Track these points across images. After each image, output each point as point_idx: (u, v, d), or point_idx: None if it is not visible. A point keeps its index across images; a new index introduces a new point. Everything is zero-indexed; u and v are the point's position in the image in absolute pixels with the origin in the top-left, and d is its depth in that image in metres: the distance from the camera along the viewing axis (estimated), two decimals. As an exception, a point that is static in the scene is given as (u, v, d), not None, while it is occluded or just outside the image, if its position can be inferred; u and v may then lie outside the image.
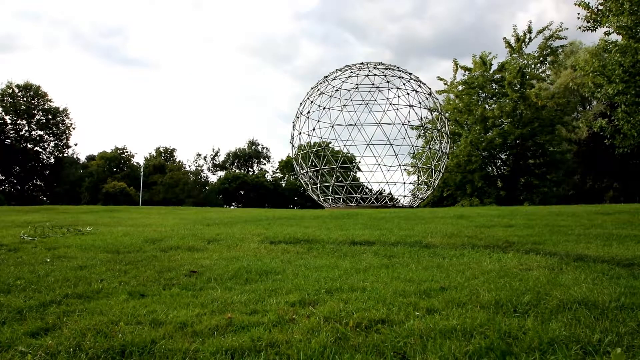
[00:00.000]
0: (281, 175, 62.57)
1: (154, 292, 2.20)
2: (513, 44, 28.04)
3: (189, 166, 63.88)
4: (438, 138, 24.18)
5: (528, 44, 27.77)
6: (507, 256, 3.16)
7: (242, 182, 55.77)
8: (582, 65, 13.77)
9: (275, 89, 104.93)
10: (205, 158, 66.35)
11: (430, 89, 23.11)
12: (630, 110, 12.26)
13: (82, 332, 1.57)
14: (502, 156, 29.62)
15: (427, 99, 22.51)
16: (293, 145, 23.62)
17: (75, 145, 75.15)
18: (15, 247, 3.72)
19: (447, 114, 26.06)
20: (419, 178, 25.91)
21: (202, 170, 64.69)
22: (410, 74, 22.55)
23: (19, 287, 2.25)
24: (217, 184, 58.01)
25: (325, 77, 22.84)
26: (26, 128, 44.05)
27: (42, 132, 44.82)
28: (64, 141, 46.12)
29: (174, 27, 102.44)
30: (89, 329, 1.60)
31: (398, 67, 22.66)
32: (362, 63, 22.30)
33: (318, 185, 23.20)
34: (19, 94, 43.35)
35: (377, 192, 27.00)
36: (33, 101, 43.94)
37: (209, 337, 1.54)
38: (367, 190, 27.65)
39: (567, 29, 27.28)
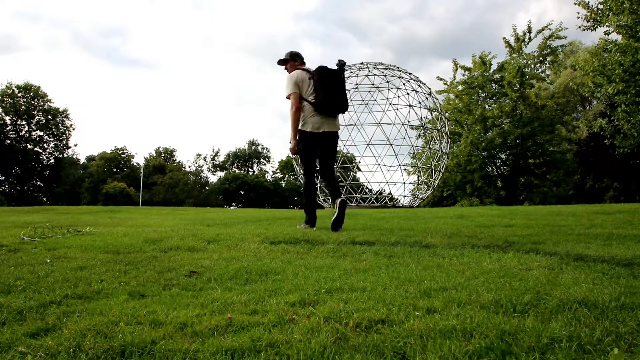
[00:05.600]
0: (281, 176, 62.58)
1: (154, 293, 2.20)
2: (513, 44, 28.05)
3: (189, 166, 63.95)
4: (438, 138, 24.18)
5: (528, 43, 27.77)
6: (507, 256, 3.16)
7: (242, 182, 55.79)
8: (582, 65, 13.77)
9: (275, 89, 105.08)
10: (205, 158, 66.38)
11: (430, 88, 23.12)
12: (630, 110, 12.26)
13: (82, 332, 1.57)
14: (502, 156, 29.64)
15: (427, 98, 22.52)
16: (293, 146, 23.62)
17: (75, 145, 75.16)
18: (16, 248, 3.71)
19: (447, 114, 26.07)
20: (419, 178, 25.92)
21: (202, 171, 64.72)
22: (410, 74, 22.55)
23: (19, 288, 2.25)
24: (217, 185, 58.05)
25: (325, 77, 22.81)
26: (26, 129, 44.07)
27: (42, 133, 44.85)
28: (64, 142, 46.16)
29: (174, 27, 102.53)
30: (89, 330, 1.60)
31: (398, 67, 22.67)
32: (362, 63, 22.30)
33: (318, 185, 23.20)
34: (19, 95, 43.35)
35: (377, 192, 27.01)
36: (33, 102, 43.95)
37: (209, 338, 1.54)
38: (367, 190, 27.66)
39: (567, 28, 27.32)
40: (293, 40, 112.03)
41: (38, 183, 46.25)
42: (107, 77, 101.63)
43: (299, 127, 5.17)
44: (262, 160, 67.50)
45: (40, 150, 44.98)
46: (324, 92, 5.03)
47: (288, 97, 5.17)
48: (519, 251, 3.42)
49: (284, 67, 5.54)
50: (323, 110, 5.07)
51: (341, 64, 5.20)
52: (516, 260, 3.00)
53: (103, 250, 3.56)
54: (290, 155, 5.31)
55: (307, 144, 5.18)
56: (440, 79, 30.62)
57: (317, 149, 5.18)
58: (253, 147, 67.36)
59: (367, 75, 22.31)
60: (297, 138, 5.19)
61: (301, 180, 5.70)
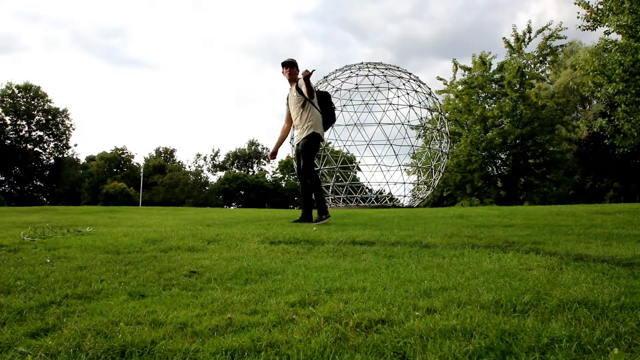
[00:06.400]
0: (281, 176, 62.55)
1: (154, 293, 2.20)
2: (513, 44, 28.02)
3: (189, 166, 63.98)
4: (438, 138, 24.17)
5: (528, 43, 27.74)
6: (507, 256, 3.16)
7: (242, 182, 55.77)
8: (582, 65, 13.78)
9: (275, 89, 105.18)
10: (205, 158, 66.42)
11: (430, 88, 23.10)
12: (630, 110, 12.26)
13: (82, 332, 1.57)
14: (502, 156, 29.63)
15: (427, 98, 22.50)
16: (293, 146, 23.60)
17: (75, 145, 75.22)
18: (16, 248, 3.71)
19: (447, 114, 26.06)
20: (419, 178, 25.91)
21: (202, 171, 64.74)
22: (410, 73, 22.54)
23: (19, 288, 2.25)
24: (217, 185, 58.03)
25: (325, 77, 22.82)
26: (26, 129, 44.06)
27: (42, 133, 44.84)
28: (64, 142, 46.15)
29: (174, 27, 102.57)
30: (89, 330, 1.60)
31: (398, 67, 22.66)
32: (362, 63, 22.28)
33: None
34: (19, 95, 43.32)
35: (377, 192, 27.00)
36: (33, 102, 43.93)
37: (209, 338, 1.54)
38: (367, 190, 27.65)
39: (566, 28, 27.28)
40: (293, 40, 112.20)
41: (38, 183, 46.22)
42: (107, 77, 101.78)
43: (316, 131, 6.06)
44: (262, 160, 67.50)
45: (40, 151, 44.97)
46: (331, 114, 6.39)
47: (308, 94, 5.89)
48: (519, 251, 3.42)
49: (287, 69, 6.13)
50: (328, 126, 6.41)
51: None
52: (516, 260, 3.00)
53: (103, 250, 3.56)
54: (307, 73, 5.69)
55: (318, 147, 6.30)
56: (440, 79, 30.63)
57: None
58: (253, 147, 67.36)
59: (367, 75, 22.31)
60: (314, 140, 6.08)
61: (305, 179, 6.10)
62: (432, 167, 23.32)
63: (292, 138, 24.06)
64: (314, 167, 6.16)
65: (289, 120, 6.44)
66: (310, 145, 6.02)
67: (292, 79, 6.13)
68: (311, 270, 2.72)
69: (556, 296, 1.96)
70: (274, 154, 6.56)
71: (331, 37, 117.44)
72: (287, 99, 6.40)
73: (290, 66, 6.08)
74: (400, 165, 22.87)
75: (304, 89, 5.87)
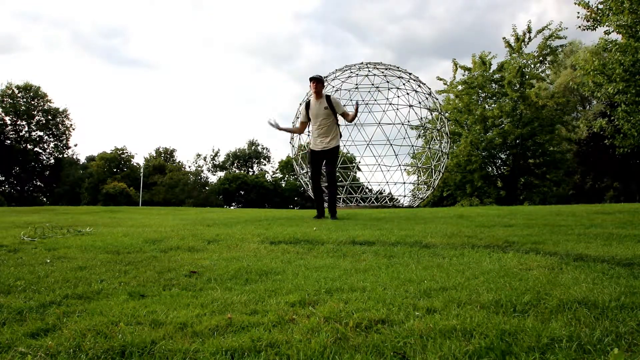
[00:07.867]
0: (281, 176, 62.54)
1: (154, 293, 2.20)
2: (513, 44, 28.01)
3: (189, 167, 63.94)
4: (438, 138, 24.16)
5: (528, 43, 27.73)
6: (507, 256, 3.15)
7: (242, 182, 55.73)
8: (582, 65, 13.79)
9: (275, 89, 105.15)
10: (205, 158, 66.38)
11: (430, 88, 23.08)
12: (631, 110, 12.26)
13: (82, 332, 1.57)
14: (502, 156, 29.63)
15: (427, 98, 22.48)
16: (293, 146, 23.59)
17: (75, 145, 75.14)
18: (15, 248, 3.71)
19: (447, 114, 26.05)
20: (419, 178, 25.90)
21: (202, 171, 64.72)
22: (410, 73, 22.52)
23: (19, 288, 2.25)
24: (217, 185, 57.98)
25: (325, 77, 22.79)
26: (26, 129, 44.03)
27: (42, 133, 44.80)
28: (64, 142, 46.11)
29: (174, 27, 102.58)
30: (89, 330, 1.60)
31: (398, 67, 22.65)
32: (362, 63, 22.27)
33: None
34: (19, 95, 43.28)
35: (377, 192, 26.99)
36: (33, 102, 43.89)
37: (209, 338, 1.54)
38: (367, 190, 27.64)
39: (566, 28, 27.25)
40: (293, 40, 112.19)
41: (38, 183, 46.18)
42: (107, 77, 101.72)
43: (339, 143, 7.16)
44: (262, 160, 67.49)
45: (40, 151, 44.94)
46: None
47: (342, 113, 7.09)
48: (519, 251, 3.41)
49: (316, 84, 6.91)
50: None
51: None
52: (516, 260, 3.00)
53: (103, 250, 3.56)
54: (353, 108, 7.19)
55: None
56: (440, 79, 30.60)
57: None
58: (253, 147, 67.34)
59: (367, 75, 22.30)
60: (338, 151, 7.23)
61: (332, 184, 7.20)
62: (432, 167, 23.31)
63: (291, 138, 24.09)
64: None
65: (304, 126, 7.48)
66: (337, 156, 7.27)
67: (319, 93, 7.02)
68: (311, 270, 2.72)
69: (556, 296, 1.96)
70: (278, 126, 7.28)
71: (331, 37, 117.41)
72: (307, 108, 7.26)
73: (319, 82, 7.00)
74: (400, 165, 22.87)
75: (342, 109, 7.04)
